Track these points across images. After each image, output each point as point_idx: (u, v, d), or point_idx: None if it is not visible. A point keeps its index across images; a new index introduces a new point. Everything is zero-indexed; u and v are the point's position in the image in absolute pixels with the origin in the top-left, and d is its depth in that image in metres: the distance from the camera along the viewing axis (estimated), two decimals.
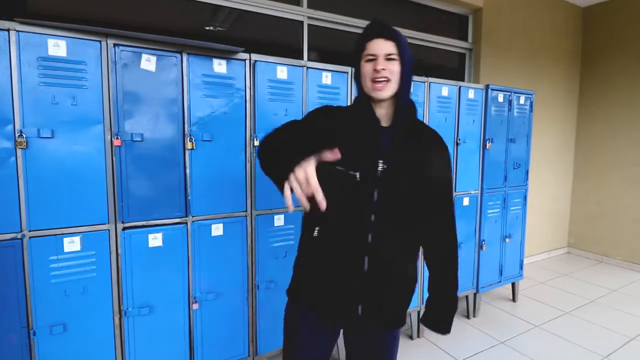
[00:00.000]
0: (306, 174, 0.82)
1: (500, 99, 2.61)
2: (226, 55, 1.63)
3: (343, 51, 2.87)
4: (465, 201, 2.53)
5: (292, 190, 0.83)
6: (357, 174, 0.98)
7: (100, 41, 1.39)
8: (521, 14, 3.58)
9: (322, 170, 0.85)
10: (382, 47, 0.99)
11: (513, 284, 3.01)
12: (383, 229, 1.01)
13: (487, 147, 2.56)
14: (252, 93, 1.71)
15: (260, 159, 0.97)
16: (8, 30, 1.25)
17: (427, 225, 1.12)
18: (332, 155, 0.87)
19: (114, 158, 1.44)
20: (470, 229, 2.59)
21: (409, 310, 2.35)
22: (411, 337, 2.43)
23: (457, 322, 2.66)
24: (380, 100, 1.02)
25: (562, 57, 4.02)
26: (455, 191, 2.47)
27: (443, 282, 1.15)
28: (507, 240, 2.79)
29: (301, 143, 0.90)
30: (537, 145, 3.77)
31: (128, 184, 1.48)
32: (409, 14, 3.12)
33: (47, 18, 1.51)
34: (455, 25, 3.42)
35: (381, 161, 1.00)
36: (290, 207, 0.84)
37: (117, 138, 1.43)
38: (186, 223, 1.61)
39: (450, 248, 1.14)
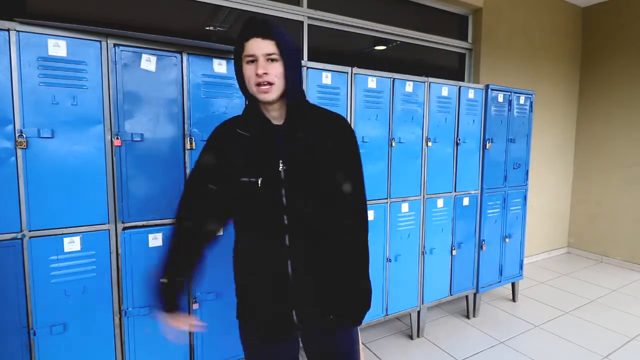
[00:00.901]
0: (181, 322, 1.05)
1: (500, 99, 2.61)
2: (226, 55, 1.63)
3: (343, 51, 2.87)
4: (465, 201, 2.53)
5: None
6: (259, 180, 0.97)
7: (100, 41, 1.39)
8: (521, 14, 3.58)
9: (228, 187, 0.94)
10: (260, 47, 0.92)
11: (513, 284, 3.01)
12: (298, 228, 0.99)
13: (487, 147, 2.56)
14: None
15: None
16: (8, 30, 1.25)
17: (336, 215, 1.04)
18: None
19: (114, 158, 1.44)
20: (470, 229, 2.59)
21: (409, 310, 2.35)
22: (411, 337, 2.43)
23: (457, 322, 2.67)
24: (269, 103, 0.99)
25: (562, 57, 4.02)
26: (455, 191, 2.47)
27: (349, 267, 1.05)
28: (507, 240, 2.79)
29: (173, 270, 1.06)
30: (537, 145, 3.77)
31: (128, 184, 1.48)
32: (409, 14, 3.12)
33: (47, 18, 1.51)
34: (455, 25, 3.42)
35: (281, 161, 0.98)
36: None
37: (117, 138, 1.43)
38: None
39: (357, 230, 1.06)
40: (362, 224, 1.08)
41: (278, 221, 0.99)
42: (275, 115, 1.02)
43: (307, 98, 1.08)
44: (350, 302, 1.06)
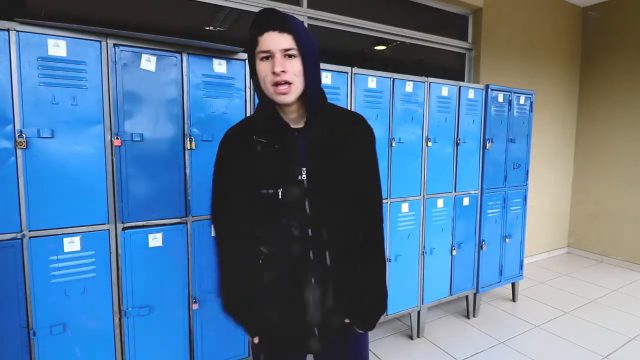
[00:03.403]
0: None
1: (500, 99, 2.61)
2: (226, 55, 1.63)
3: (343, 51, 2.87)
4: (465, 201, 2.53)
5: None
6: (279, 191, 0.89)
7: (100, 41, 1.39)
8: (521, 14, 3.58)
9: (249, 200, 0.84)
10: (277, 41, 0.82)
11: (513, 284, 3.01)
12: (323, 240, 0.93)
13: (487, 147, 2.56)
14: (252, 93, 1.71)
15: (223, 301, 1.02)
16: (8, 30, 1.25)
17: (355, 215, 0.99)
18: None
19: (114, 158, 1.44)
20: (470, 229, 2.59)
21: (409, 310, 2.35)
22: (411, 337, 2.43)
23: (457, 322, 2.67)
24: (287, 105, 0.90)
25: (562, 57, 4.02)
26: (455, 191, 2.47)
27: (367, 273, 1.02)
28: (507, 240, 2.79)
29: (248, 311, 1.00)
30: (537, 145, 3.77)
31: (128, 184, 1.48)
32: (409, 14, 3.12)
33: (47, 18, 1.51)
34: (455, 25, 3.42)
35: (304, 169, 0.90)
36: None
37: (117, 138, 1.43)
38: (186, 223, 1.61)
39: (376, 238, 1.03)
40: (380, 229, 1.03)
41: (301, 234, 0.92)
42: (293, 118, 0.93)
43: (326, 97, 0.99)
44: (367, 307, 1.01)
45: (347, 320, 1.01)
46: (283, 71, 0.83)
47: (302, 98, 0.90)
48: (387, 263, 1.10)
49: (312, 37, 0.89)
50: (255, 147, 0.92)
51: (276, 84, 0.84)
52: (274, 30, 0.83)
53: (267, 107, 0.91)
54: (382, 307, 1.04)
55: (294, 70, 0.85)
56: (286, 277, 0.95)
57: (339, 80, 1.95)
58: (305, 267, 0.94)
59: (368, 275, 1.02)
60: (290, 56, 0.84)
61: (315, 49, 0.90)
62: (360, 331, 1.03)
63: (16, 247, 1.31)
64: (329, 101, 1.00)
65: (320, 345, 0.99)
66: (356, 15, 2.78)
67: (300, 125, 0.94)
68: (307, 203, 0.91)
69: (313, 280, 0.94)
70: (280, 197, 0.89)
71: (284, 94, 0.85)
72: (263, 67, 0.86)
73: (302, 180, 0.90)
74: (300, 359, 1.09)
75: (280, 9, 0.86)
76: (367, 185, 1.01)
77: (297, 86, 0.86)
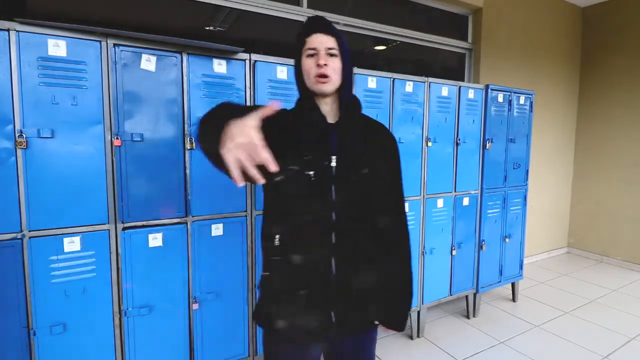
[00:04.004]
0: (248, 136, 0.70)
1: (500, 99, 2.61)
2: (226, 55, 1.63)
3: None
4: (465, 201, 2.53)
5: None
6: (312, 173, 0.96)
7: (100, 41, 1.39)
8: (521, 14, 3.58)
9: (275, 173, 0.75)
10: (322, 41, 0.98)
11: (513, 284, 3.01)
12: (345, 226, 0.99)
13: (487, 147, 2.56)
14: (252, 93, 1.71)
15: (197, 132, 0.84)
16: (8, 30, 1.25)
17: (379, 219, 1.07)
18: (270, 108, 0.77)
19: (114, 158, 1.44)
20: (470, 229, 2.59)
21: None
22: (411, 337, 2.43)
23: (457, 322, 2.67)
24: (324, 96, 1.01)
25: (562, 57, 4.02)
26: (455, 191, 2.47)
27: (394, 272, 1.08)
28: (507, 240, 2.79)
29: (243, 108, 0.81)
30: (537, 145, 3.77)
31: (128, 184, 1.48)
32: (409, 14, 3.12)
33: (47, 18, 1.51)
34: (455, 25, 3.42)
35: (334, 157, 0.98)
36: (239, 180, 0.72)
37: (117, 138, 1.43)
38: (186, 223, 1.61)
39: (401, 238, 1.10)
40: (407, 233, 1.11)
41: (327, 217, 0.98)
42: (327, 110, 1.03)
43: (361, 105, 1.09)
44: (398, 308, 1.09)
45: (376, 322, 1.08)
46: (326, 64, 0.97)
47: (338, 93, 1.02)
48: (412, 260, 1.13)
49: (346, 44, 1.04)
50: (292, 129, 1.01)
51: (319, 76, 0.97)
52: (321, 32, 0.99)
53: (307, 99, 1.03)
54: (409, 306, 1.11)
55: (334, 66, 0.98)
56: (305, 259, 0.98)
57: None
58: (327, 250, 0.99)
59: (397, 277, 1.09)
60: (331, 55, 0.98)
61: (350, 55, 1.04)
62: (391, 330, 1.09)
63: (16, 247, 1.31)
64: None
65: (333, 334, 1.01)
66: (356, 15, 2.78)
67: (334, 121, 1.04)
68: (333, 188, 0.98)
69: (333, 264, 0.99)
70: (312, 177, 0.96)
71: (324, 83, 0.98)
72: (308, 62, 0.99)
73: (331, 167, 0.98)
74: (316, 352, 1.09)
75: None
76: (392, 183, 1.09)
77: (335, 80, 0.99)
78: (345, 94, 1.02)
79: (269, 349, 1.08)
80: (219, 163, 0.76)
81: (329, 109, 1.03)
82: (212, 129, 0.77)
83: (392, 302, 1.08)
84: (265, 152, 0.71)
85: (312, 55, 0.99)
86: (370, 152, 1.04)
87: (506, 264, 2.83)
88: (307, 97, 1.03)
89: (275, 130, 0.95)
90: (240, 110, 0.78)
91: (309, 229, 0.98)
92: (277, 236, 0.99)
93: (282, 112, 1.04)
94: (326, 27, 0.99)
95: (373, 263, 1.06)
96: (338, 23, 2.72)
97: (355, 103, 1.07)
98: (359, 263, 1.02)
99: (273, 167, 0.72)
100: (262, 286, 1.08)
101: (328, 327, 1.00)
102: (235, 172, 0.71)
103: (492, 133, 2.59)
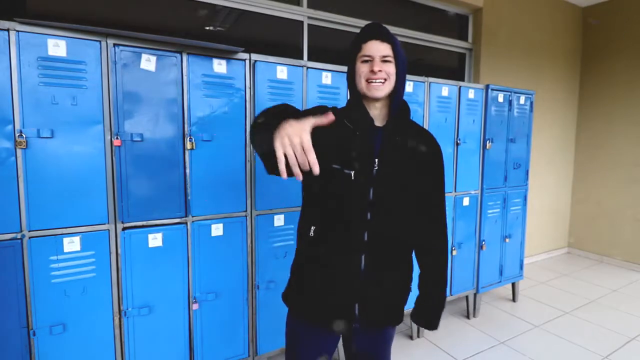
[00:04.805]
0: (300, 138, 0.77)
1: (500, 99, 2.61)
2: (226, 55, 1.63)
3: (343, 51, 2.86)
4: (465, 201, 2.53)
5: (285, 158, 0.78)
6: (352, 173, 0.99)
7: (100, 41, 1.39)
8: (521, 14, 3.58)
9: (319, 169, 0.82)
10: (378, 48, 0.99)
11: (513, 284, 3.01)
12: (379, 227, 1.03)
13: (487, 147, 2.56)
14: (252, 93, 1.71)
15: (253, 124, 0.93)
16: (8, 30, 1.25)
17: (420, 224, 1.13)
18: (326, 119, 0.83)
19: (113, 158, 1.44)
20: (470, 229, 2.59)
21: (409, 310, 2.34)
22: (411, 337, 2.42)
23: (457, 322, 2.67)
24: (375, 100, 1.03)
25: (562, 57, 4.01)
26: (455, 191, 2.47)
27: (435, 281, 1.16)
28: (507, 240, 2.79)
29: (300, 111, 0.89)
30: (537, 145, 3.77)
31: (128, 184, 1.47)
32: (409, 14, 3.12)
33: (47, 18, 1.51)
34: (455, 25, 3.42)
35: (377, 160, 1.01)
36: (284, 173, 0.78)
37: (117, 138, 1.43)
38: (186, 223, 1.61)
39: (441, 248, 1.16)
40: (446, 244, 1.16)
41: (362, 215, 1.01)
42: (376, 114, 1.05)
43: (410, 110, 1.11)
44: (436, 312, 1.18)
45: (413, 320, 1.20)
46: (380, 70, 0.99)
47: (389, 98, 1.05)
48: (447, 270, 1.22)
49: (404, 51, 1.05)
50: (340, 128, 1.02)
51: (371, 81, 0.99)
52: (377, 39, 1.00)
53: (357, 102, 1.05)
54: (443, 307, 1.19)
55: (388, 71, 1.00)
56: (337, 252, 1.03)
57: (339, 80, 1.94)
58: (358, 247, 1.02)
59: (437, 283, 1.16)
60: (386, 61, 1.00)
61: (406, 61, 1.05)
62: (428, 330, 1.19)
63: (16, 247, 1.31)
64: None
65: (355, 325, 1.06)
66: (356, 15, 2.78)
67: (382, 124, 1.07)
68: (371, 190, 1.01)
69: (363, 260, 1.03)
70: (352, 178, 0.99)
71: (376, 89, 1.00)
72: (363, 68, 1.01)
73: (372, 169, 1.01)
74: (333, 341, 1.15)
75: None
76: (434, 193, 1.13)
77: (388, 85, 1.01)
78: (396, 100, 1.04)
79: (291, 327, 1.15)
80: (267, 156, 0.84)
81: (377, 113, 1.06)
82: (268, 124, 0.84)
83: (433, 306, 1.17)
84: (312, 154, 0.77)
85: (366, 62, 1.00)
86: (413, 159, 1.06)
87: (506, 264, 2.83)
88: (358, 99, 1.04)
89: (323, 128, 0.98)
90: (297, 113, 0.88)
91: (344, 225, 1.02)
92: (313, 227, 1.05)
93: (336, 110, 1.07)
94: (383, 35, 1.00)
95: (403, 265, 1.11)
96: (338, 23, 2.72)
97: (405, 109, 1.09)
98: (388, 263, 1.06)
99: (316, 169, 0.78)
100: (293, 271, 1.15)
101: (350, 317, 1.05)
102: (282, 166, 0.77)
103: (492, 133, 2.59)
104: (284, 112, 0.88)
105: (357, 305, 1.04)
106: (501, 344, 2.39)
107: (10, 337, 1.32)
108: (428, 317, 1.18)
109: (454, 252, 2.50)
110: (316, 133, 0.91)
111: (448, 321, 2.68)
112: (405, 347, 2.33)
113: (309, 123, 0.81)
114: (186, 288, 1.62)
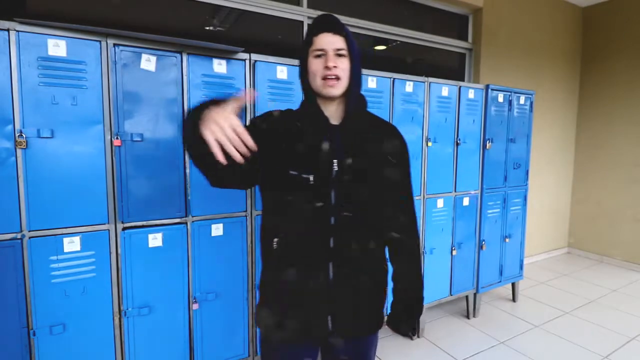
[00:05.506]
0: (229, 121, 0.76)
1: (500, 99, 2.61)
2: (226, 55, 1.63)
3: None
4: (465, 201, 2.53)
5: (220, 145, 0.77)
6: (311, 177, 0.93)
7: (100, 41, 1.39)
8: (521, 14, 3.58)
9: (275, 176, 0.82)
10: (331, 42, 0.94)
11: (513, 284, 3.01)
12: (344, 231, 0.97)
13: (487, 147, 2.56)
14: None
15: (183, 139, 0.92)
16: (8, 30, 1.25)
17: (388, 221, 1.06)
18: (243, 97, 0.83)
19: (113, 158, 1.44)
20: (470, 229, 2.59)
21: None
22: (411, 337, 2.42)
23: (457, 322, 2.67)
24: (330, 98, 0.97)
25: (562, 57, 4.02)
26: (455, 191, 2.47)
27: (404, 282, 1.09)
28: (507, 240, 2.79)
29: (218, 100, 0.85)
30: (537, 145, 3.77)
31: (128, 184, 1.47)
32: (409, 14, 3.12)
33: (47, 18, 1.50)
34: (455, 25, 3.42)
35: (335, 161, 0.95)
36: (220, 155, 0.76)
37: (117, 138, 1.43)
38: (186, 223, 1.61)
39: (412, 244, 1.09)
40: (417, 237, 1.10)
41: (325, 221, 0.95)
42: (332, 112, 1.00)
43: (367, 103, 1.07)
44: (410, 310, 1.09)
45: (388, 326, 1.10)
46: (335, 66, 0.93)
47: (344, 95, 0.98)
48: (422, 265, 1.13)
49: (357, 42, 0.99)
50: (294, 131, 0.99)
51: (326, 78, 0.94)
52: (329, 31, 0.94)
53: (311, 101, 0.99)
54: (420, 309, 1.11)
55: (343, 67, 0.94)
56: (303, 262, 0.97)
57: None
58: (325, 254, 0.96)
59: (409, 278, 1.09)
60: (340, 55, 0.95)
61: (360, 54, 0.99)
62: (403, 335, 1.08)
63: (16, 247, 1.31)
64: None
65: (329, 339, 1.00)
66: (356, 15, 2.77)
67: (338, 122, 1.01)
68: (333, 193, 0.95)
69: (331, 269, 0.96)
70: (310, 182, 0.94)
71: (332, 86, 0.94)
72: (316, 63, 0.95)
73: (332, 171, 0.96)
74: (311, 354, 1.07)
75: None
76: (401, 185, 1.06)
77: (344, 82, 0.96)
78: (352, 96, 0.99)
79: (265, 345, 1.07)
80: (202, 158, 0.83)
81: (334, 110, 1.00)
82: (191, 119, 0.82)
83: (403, 309, 1.08)
84: (244, 134, 0.76)
85: (319, 57, 0.95)
86: (375, 155, 1.00)
87: (506, 264, 2.83)
88: (312, 97, 0.99)
89: (277, 133, 0.98)
90: (214, 101, 0.84)
91: (307, 233, 0.97)
92: (276, 240, 0.99)
93: (286, 114, 1.03)
94: (335, 26, 0.95)
95: (375, 268, 1.04)
96: None
97: (362, 103, 1.04)
98: (358, 268, 1.00)
99: (250, 142, 0.77)
100: (261, 289, 1.08)
101: (324, 332, 0.99)
102: (216, 149, 0.76)
103: (492, 133, 2.59)
104: (202, 106, 0.84)
105: (329, 318, 0.98)
106: (501, 343, 2.39)
107: (10, 337, 1.32)
108: (398, 321, 1.09)
109: (454, 252, 2.50)
110: (270, 138, 0.91)
111: (448, 321, 2.69)
112: (405, 347, 2.33)
113: (231, 105, 0.80)
114: (186, 288, 1.62)
